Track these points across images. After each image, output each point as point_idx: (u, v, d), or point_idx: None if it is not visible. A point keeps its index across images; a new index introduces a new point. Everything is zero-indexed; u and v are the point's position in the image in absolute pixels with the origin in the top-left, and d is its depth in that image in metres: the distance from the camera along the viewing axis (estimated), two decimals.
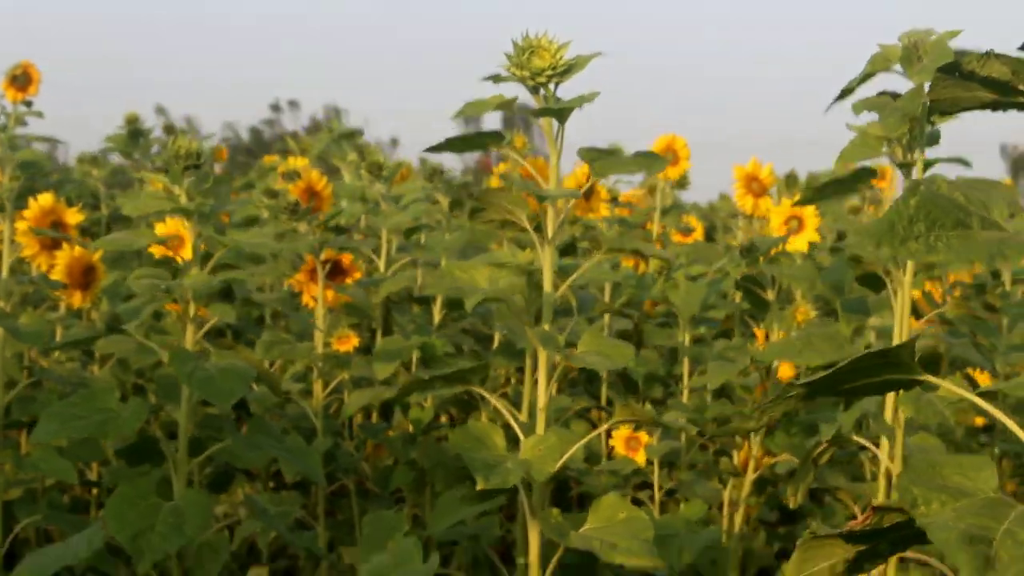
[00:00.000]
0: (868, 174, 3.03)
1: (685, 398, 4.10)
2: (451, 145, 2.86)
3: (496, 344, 3.93)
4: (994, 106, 2.01)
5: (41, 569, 3.07)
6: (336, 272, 4.09)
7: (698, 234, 5.65)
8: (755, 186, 4.94)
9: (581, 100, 2.76)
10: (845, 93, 2.86)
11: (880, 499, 2.88)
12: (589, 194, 5.27)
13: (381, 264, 4.38)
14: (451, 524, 3.57)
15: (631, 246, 2.94)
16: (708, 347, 4.15)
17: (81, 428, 3.08)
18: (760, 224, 5.07)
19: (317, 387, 4.00)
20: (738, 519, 3.43)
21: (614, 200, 5.79)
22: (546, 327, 2.78)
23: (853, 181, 3.06)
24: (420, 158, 4.50)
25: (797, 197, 4.69)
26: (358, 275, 4.11)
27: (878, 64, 2.78)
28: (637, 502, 3.90)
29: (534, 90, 2.77)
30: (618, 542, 2.63)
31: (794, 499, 3.06)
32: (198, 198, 3.22)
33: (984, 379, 3.85)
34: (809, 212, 4.67)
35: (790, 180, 5.78)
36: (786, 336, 3.06)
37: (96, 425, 3.12)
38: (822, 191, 3.10)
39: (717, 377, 3.19)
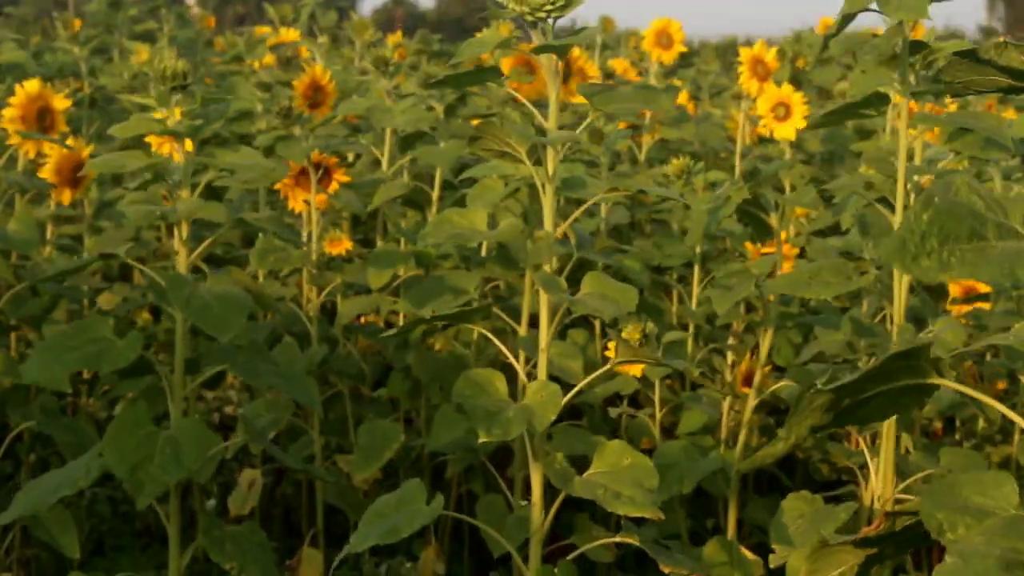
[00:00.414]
0: (878, 99, 2.97)
1: (694, 303, 4.06)
2: (452, 82, 2.80)
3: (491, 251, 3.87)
4: (1009, 90, 1.96)
5: (39, 502, 3.06)
6: (328, 174, 4.03)
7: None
8: (760, 69, 4.88)
9: (581, 37, 2.70)
10: (828, 40, 2.80)
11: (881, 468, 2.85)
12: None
13: (384, 164, 4.30)
14: (449, 440, 3.57)
15: (633, 187, 2.88)
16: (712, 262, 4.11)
17: (75, 361, 3.05)
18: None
19: (312, 292, 3.95)
20: (741, 437, 3.41)
21: (609, 76, 5.71)
22: (547, 268, 2.74)
23: (863, 105, 2.99)
24: (411, 62, 4.42)
25: (786, 85, 4.65)
26: (346, 179, 4.04)
27: (856, 3, 2.70)
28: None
29: (533, 25, 2.70)
30: (622, 490, 2.61)
31: (785, 442, 3.03)
32: (186, 120, 3.16)
33: None
34: (796, 99, 4.62)
35: (781, 53, 5.70)
36: (793, 265, 3.00)
37: (91, 357, 3.08)
38: (831, 117, 3.05)
39: (721, 304, 3.14)
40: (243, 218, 3.28)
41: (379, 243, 4.28)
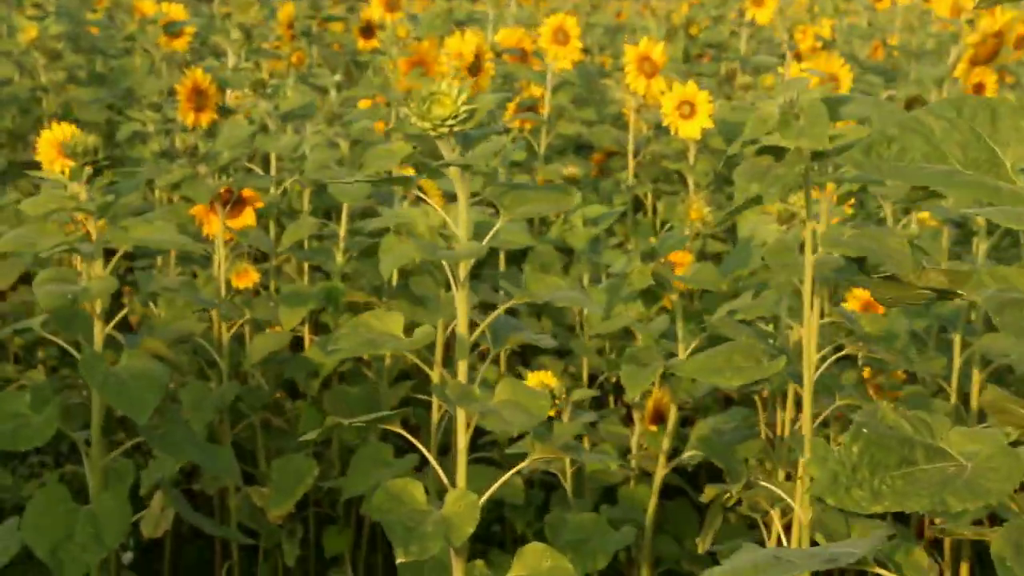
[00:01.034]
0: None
1: (586, 341, 4.13)
2: (360, 190, 2.85)
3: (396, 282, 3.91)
4: (937, 299, 2.04)
5: None
6: (238, 205, 4.04)
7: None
8: (647, 66, 4.89)
9: (483, 158, 2.74)
10: (731, 159, 2.84)
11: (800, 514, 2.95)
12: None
13: (272, 187, 4.29)
14: (365, 488, 3.65)
15: (540, 296, 2.92)
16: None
17: None
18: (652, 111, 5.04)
19: (222, 329, 3.99)
20: (651, 508, 3.49)
21: (498, 55, 5.73)
22: (462, 377, 2.79)
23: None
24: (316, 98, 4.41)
25: (691, 83, 4.68)
26: (260, 204, 4.07)
27: (758, 129, 2.75)
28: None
29: (438, 138, 2.74)
30: None
31: (703, 543, 3.14)
32: (98, 196, 3.18)
33: None
34: (702, 97, 4.64)
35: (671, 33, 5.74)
36: (705, 352, 3.06)
37: (7, 435, 3.12)
38: (731, 215, 3.10)
39: (633, 387, 3.21)
40: (155, 292, 3.31)
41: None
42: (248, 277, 4.08)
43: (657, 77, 4.86)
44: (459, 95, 2.73)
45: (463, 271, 2.80)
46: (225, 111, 4.37)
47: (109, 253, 3.22)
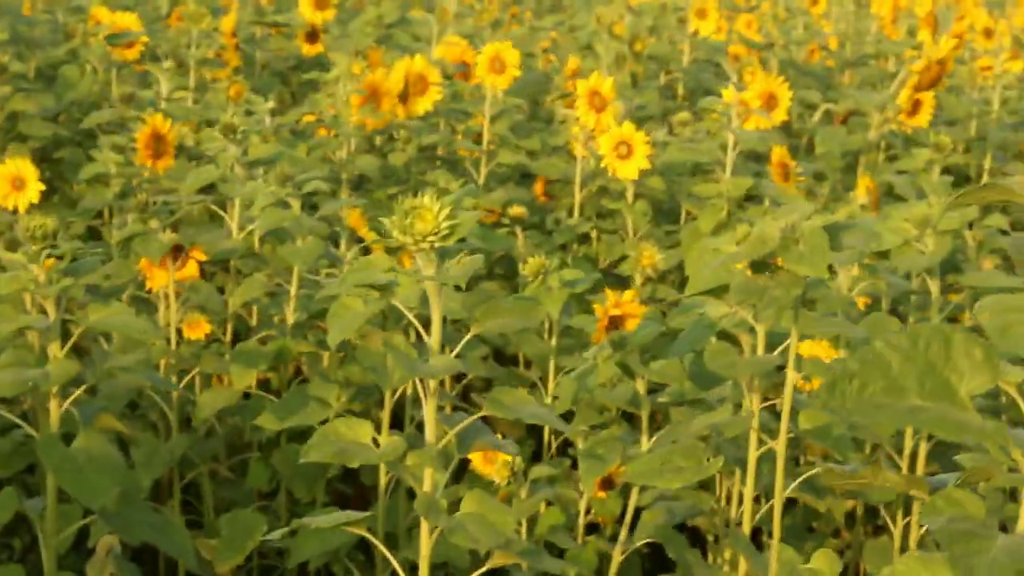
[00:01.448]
0: None
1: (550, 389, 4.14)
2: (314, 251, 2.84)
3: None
4: None
5: None
6: (187, 257, 4.03)
7: None
8: (597, 100, 4.90)
9: (462, 278, 2.75)
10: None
11: None
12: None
13: (234, 231, 4.26)
14: (312, 555, 3.67)
15: (511, 415, 2.93)
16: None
17: None
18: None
19: (173, 379, 3.97)
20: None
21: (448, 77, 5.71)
22: (428, 486, 2.81)
23: None
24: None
25: (627, 124, 4.69)
26: (203, 257, 4.05)
27: (757, 248, 2.77)
28: None
29: (419, 251, 2.74)
30: None
31: None
32: (57, 279, 3.16)
33: None
34: (639, 138, 4.67)
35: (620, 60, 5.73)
36: (649, 455, 3.09)
37: None
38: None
39: (588, 481, 3.25)
40: (111, 370, 3.31)
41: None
42: (200, 328, 4.07)
43: (607, 111, 4.87)
44: (440, 210, 2.74)
45: (433, 382, 2.82)
46: (185, 152, 4.35)
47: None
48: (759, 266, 2.81)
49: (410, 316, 2.91)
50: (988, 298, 1.94)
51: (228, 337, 4.31)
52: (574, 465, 3.68)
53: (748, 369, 2.91)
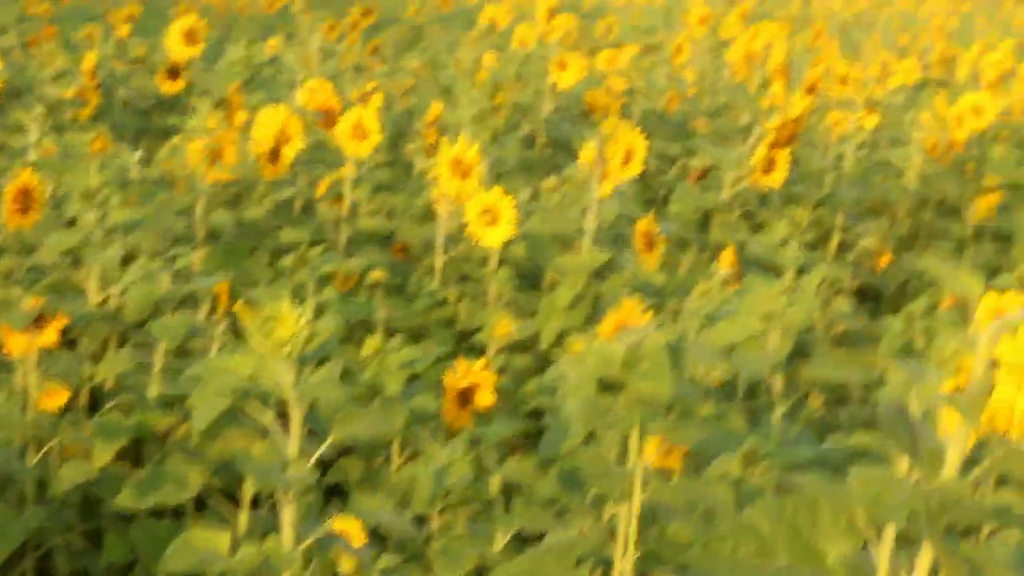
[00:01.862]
0: None
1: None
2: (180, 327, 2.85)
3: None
4: None
5: None
6: (47, 324, 3.99)
7: None
8: (461, 168, 4.92)
9: (322, 388, 2.77)
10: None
11: None
12: None
13: (94, 297, 4.23)
14: None
15: (366, 432, 2.94)
16: None
17: None
18: None
19: (31, 449, 3.94)
20: None
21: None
22: None
23: None
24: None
25: (496, 189, 4.71)
26: (63, 322, 4.02)
27: (601, 368, 2.82)
28: None
29: (279, 359, 2.77)
30: None
31: None
32: None
33: None
34: (505, 205, 4.69)
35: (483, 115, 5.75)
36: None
37: None
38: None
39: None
40: None
41: None
42: (57, 397, 4.03)
43: (471, 177, 4.89)
44: (300, 318, 2.76)
45: (289, 509, 2.85)
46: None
47: None
48: (605, 385, 2.86)
49: (270, 420, 2.92)
50: (859, 470, 2.01)
51: (83, 401, 4.28)
52: None
53: (613, 481, 2.95)
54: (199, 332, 3.99)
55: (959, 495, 1.99)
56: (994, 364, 1.97)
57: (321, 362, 2.85)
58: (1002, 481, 2.83)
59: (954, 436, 2.06)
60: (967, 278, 2.11)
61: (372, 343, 3.90)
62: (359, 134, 5.25)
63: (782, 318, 3.80)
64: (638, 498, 2.91)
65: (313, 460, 2.85)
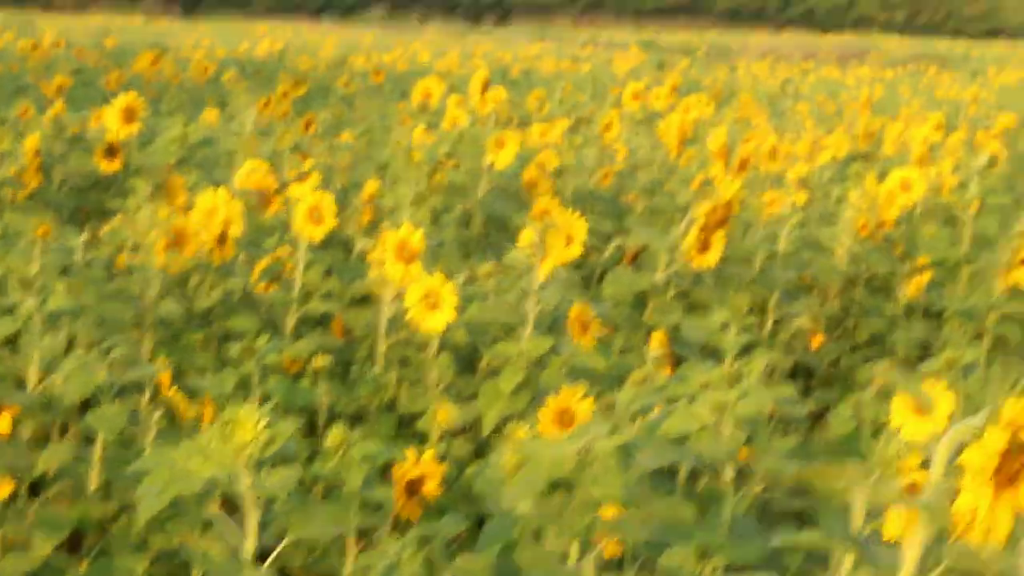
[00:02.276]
0: None
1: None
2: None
3: None
4: None
5: None
6: None
7: None
8: (405, 253, 4.95)
9: (280, 489, 2.80)
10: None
11: None
12: None
13: (31, 385, 4.22)
14: None
15: (321, 531, 2.97)
16: None
17: None
18: None
19: None
20: None
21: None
22: None
23: None
24: None
25: (437, 274, 4.74)
26: (16, 410, 4.02)
27: (553, 470, 2.84)
28: None
29: (239, 462, 2.78)
30: None
31: None
32: None
33: None
34: (447, 290, 4.72)
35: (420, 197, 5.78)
36: None
37: None
38: None
39: None
40: None
41: None
42: (2, 488, 4.02)
43: (415, 262, 4.92)
44: (259, 421, 2.78)
45: None
46: None
47: None
48: (555, 487, 2.90)
49: (228, 522, 2.94)
50: None
51: (23, 490, 4.26)
52: None
53: None
54: (138, 421, 3.99)
55: None
56: (954, 469, 2.02)
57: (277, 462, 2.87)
58: None
59: (910, 538, 2.11)
60: (925, 387, 2.16)
61: (336, 435, 3.91)
62: (315, 218, 5.29)
63: (733, 409, 3.85)
64: None
65: (271, 559, 2.87)
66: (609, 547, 3.25)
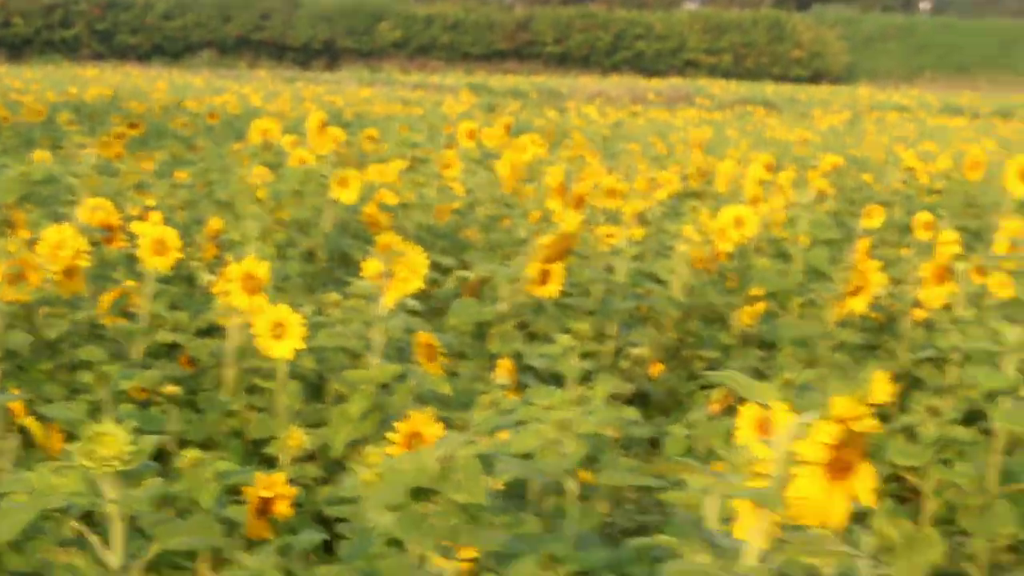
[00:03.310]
0: None
1: None
2: None
3: None
4: None
5: None
6: None
7: None
8: (251, 284, 5.03)
9: (145, 501, 2.86)
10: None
11: None
12: None
13: None
14: None
15: (187, 542, 3.02)
16: None
17: None
18: None
19: None
20: None
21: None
22: None
23: None
24: None
25: (282, 305, 4.81)
26: None
27: (418, 478, 2.93)
28: None
29: (104, 476, 2.84)
30: None
31: None
32: None
33: None
34: (294, 320, 4.78)
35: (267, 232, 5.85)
36: None
37: None
38: None
39: None
40: None
41: None
42: None
43: (260, 292, 5.00)
44: (124, 436, 2.85)
45: None
46: None
47: None
48: (419, 493, 2.99)
49: (92, 536, 2.99)
50: (673, 563, 2.17)
51: None
52: None
53: None
54: None
55: None
56: (791, 461, 2.16)
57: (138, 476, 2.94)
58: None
59: (753, 529, 2.24)
60: (764, 390, 2.30)
61: (190, 455, 3.97)
62: (160, 249, 5.34)
63: (577, 426, 3.97)
64: None
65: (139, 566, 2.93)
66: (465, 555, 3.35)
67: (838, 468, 2.11)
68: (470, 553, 3.28)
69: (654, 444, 5.71)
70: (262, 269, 5.04)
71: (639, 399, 6.41)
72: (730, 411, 4.72)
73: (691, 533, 2.38)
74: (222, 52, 72.23)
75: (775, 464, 2.18)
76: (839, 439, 2.10)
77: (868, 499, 2.11)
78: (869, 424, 2.12)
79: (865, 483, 2.12)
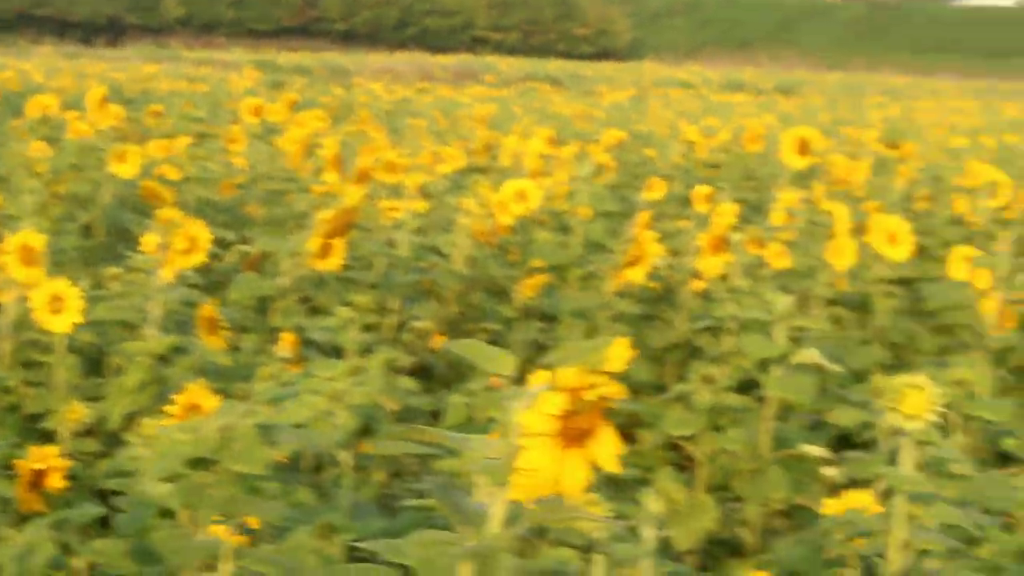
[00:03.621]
0: None
1: None
2: None
3: None
4: None
5: None
6: None
7: None
8: (28, 256, 4.97)
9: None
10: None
11: None
12: None
13: None
14: None
15: None
16: None
17: None
18: None
19: None
20: None
21: None
22: None
23: None
24: None
25: (61, 281, 4.76)
26: None
27: (199, 448, 2.93)
28: None
29: None
30: None
31: None
32: None
33: None
34: (72, 294, 4.70)
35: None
36: None
37: None
38: None
39: None
40: None
41: None
42: None
43: (37, 265, 4.94)
44: None
45: None
46: None
47: None
48: (199, 463, 3.00)
49: None
50: (416, 534, 2.22)
51: None
52: None
53: (195, 553, 3.07)
54: None
55: (499, 548, 2.22)
56: (520, 433, 2.20)
57: None
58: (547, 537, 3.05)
59: (493, 498, 2.29)
60: (499, 358, 2.35)
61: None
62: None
63: (348, 397, 4.01)
64: (227, 569, 3.05)
65: None
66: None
67: (572, 437, 2.15)
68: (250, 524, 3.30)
69: (436, 416, 5.76)
70: (39, 241, 4.98)
71: (422, 372, 6.45)
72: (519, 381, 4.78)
73: (445, 500, 2.40)
74: (1, 28, 70.53)
75: (504, 436, 2.22)
76: (569, 408, 2.15)
77: (611, 465, 2.16)
78: (605, 391, 2.17)
79: (607, 449, 2.17)
